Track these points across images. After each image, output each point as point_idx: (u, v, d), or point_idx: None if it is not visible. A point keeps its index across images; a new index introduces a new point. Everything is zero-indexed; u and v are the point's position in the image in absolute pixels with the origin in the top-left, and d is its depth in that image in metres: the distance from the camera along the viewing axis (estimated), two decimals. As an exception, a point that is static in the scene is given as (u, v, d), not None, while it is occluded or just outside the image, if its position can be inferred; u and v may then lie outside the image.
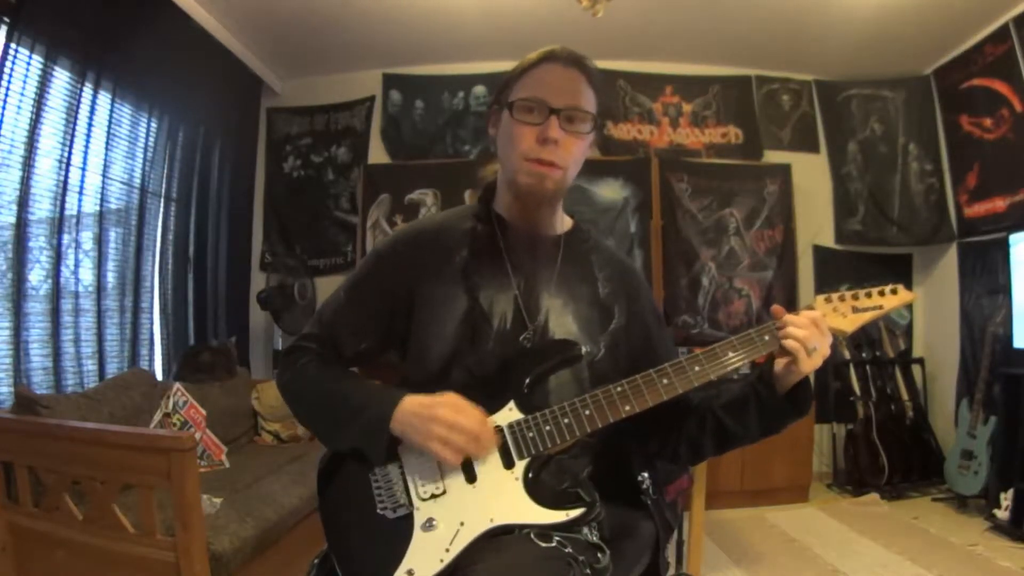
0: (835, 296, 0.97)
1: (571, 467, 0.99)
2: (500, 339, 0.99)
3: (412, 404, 0.91)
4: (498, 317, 1.00)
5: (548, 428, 0.92)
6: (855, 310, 0.96)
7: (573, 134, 0.96)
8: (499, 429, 0.93)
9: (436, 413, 0.88)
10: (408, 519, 0.91)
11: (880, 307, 0.96)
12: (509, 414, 0.94)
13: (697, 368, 0.93)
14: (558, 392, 0.98)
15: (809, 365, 0.90)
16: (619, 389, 0.92)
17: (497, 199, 1.08)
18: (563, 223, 1.11)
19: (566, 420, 0.92)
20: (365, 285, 1.06)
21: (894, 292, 0.97)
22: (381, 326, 1.04)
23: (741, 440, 1.01)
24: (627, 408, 0.92)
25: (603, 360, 1.02)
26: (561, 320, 1.02)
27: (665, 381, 0.92)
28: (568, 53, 0.98)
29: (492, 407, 0.94)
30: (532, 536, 0.87)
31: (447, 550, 0.87)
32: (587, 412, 0.92)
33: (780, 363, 0.94)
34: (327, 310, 1.07)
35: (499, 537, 0.88)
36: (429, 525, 0.90)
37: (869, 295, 0.97)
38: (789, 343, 0.91)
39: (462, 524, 0.89)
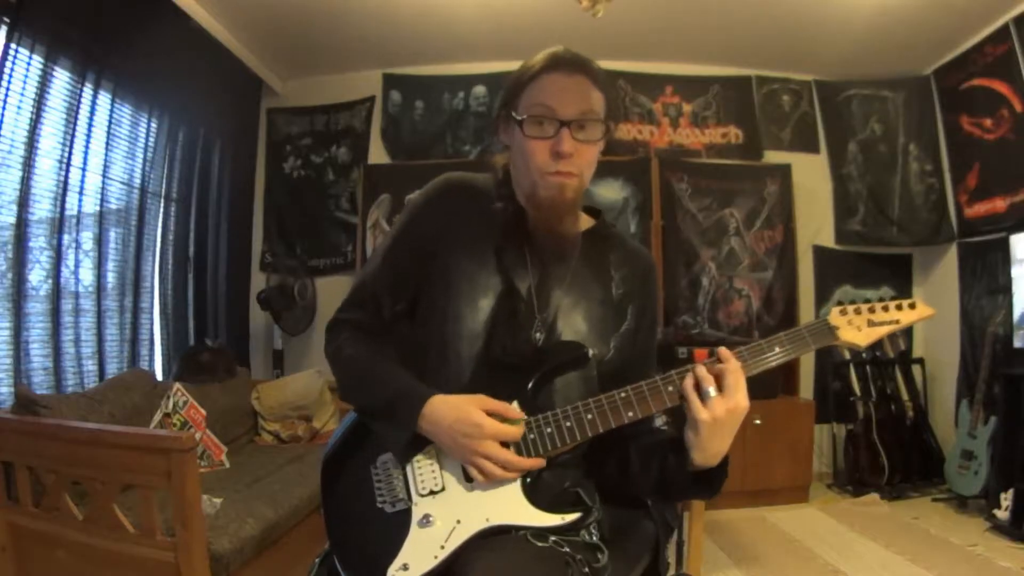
0: (851, 308, 0.92)
1: (574, 471, 0.98)
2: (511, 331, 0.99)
3: (446, 414, 0.90)
4: None
5: (549, 431, 0.91)
6: (871, 324, 0.91)
7: (586, 143, 0.94)
8: None
9: (475, 446, 0.88)
10: (406, 514, 0.92)
11: (897, 321, 0.92)
12: None
13: None
14: (565, 393, 0.97)
15: (705, 414, 0.85)
16: (623, 395, 0.91)
17: (516, 193, 1.04)
18: (582, 222, 1.08)
19: (568, 423, 0.91)
20: (400, 243, 1.05)
21: (912, 307, 0.92)
22: (415, 284, 1.03)
23: (636, 486, 0.98)
24: (630, 414, 0.91)
25: (612, 361, 1.01)
26: (570, 319, 1.00)
27: (670, 388, 0.90)
28: (572, 57, 0.95)
29: None
30: (528, 537, 0.87)
31: (442, 547, 0.88)
32: (589, 416, 0.91)
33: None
34: (366, 272, 1.07)
35: (495, 537, 0.88)
36: (426, 521, 0.90)
37: (886, 308, 0.92)
38: (685, 383, 0.88)
39: (458, 522, 0.89)
